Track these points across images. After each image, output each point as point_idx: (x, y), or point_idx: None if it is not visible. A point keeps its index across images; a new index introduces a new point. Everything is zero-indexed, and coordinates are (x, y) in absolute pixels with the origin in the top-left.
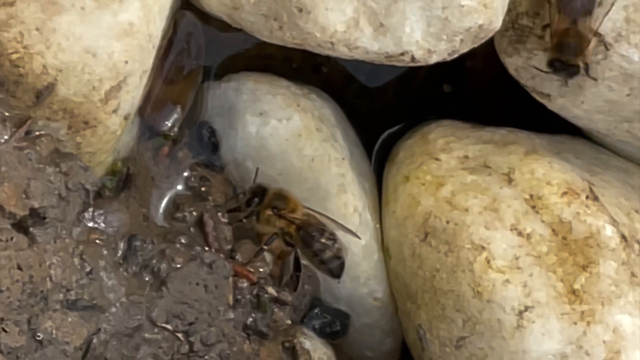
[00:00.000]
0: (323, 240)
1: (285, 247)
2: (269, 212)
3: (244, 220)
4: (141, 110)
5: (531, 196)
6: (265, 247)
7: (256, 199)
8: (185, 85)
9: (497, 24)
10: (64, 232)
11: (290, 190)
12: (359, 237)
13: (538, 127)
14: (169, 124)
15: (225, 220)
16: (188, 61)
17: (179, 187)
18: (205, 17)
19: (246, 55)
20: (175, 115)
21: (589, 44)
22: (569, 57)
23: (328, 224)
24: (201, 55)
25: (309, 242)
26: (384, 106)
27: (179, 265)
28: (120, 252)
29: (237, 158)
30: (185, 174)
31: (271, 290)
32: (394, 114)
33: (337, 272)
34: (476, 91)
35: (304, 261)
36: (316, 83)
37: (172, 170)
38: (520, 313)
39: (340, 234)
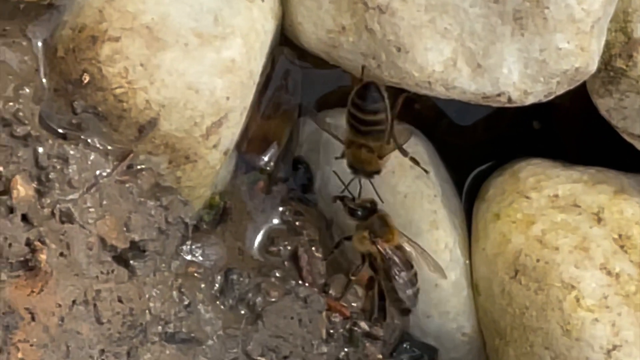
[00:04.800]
0: (402, 281)
1: (372, 273)
2: (365, 234)
3: (334, 251)
4: (238, 145)
5: (620, 236)
6: (353, 278)
7: (360, 213)
8: (282, 121)
9: (593, 67)
10: (163, 265)
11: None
12: (445, 277)
13: (622, 164)
14: (265, 159)
15: (320, 255)
16: (285, 97)
17: (274, 221)
18: (302, 54)
19: (341, 92)
20: (272, 151)
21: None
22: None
23: (416, 262)
24: (297, 92)
25: (390, 277)
26: (474, 143)
27: (274, 299)
28: (217, 286)
29: (331, 193)
30: (280, 208)
31: (363, 324)
32: (484, 151)
33: (406, 311)
34: (564, 128)
35: None
36: (408, 119)
37: (267, 204)
38: (609, 352)
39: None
